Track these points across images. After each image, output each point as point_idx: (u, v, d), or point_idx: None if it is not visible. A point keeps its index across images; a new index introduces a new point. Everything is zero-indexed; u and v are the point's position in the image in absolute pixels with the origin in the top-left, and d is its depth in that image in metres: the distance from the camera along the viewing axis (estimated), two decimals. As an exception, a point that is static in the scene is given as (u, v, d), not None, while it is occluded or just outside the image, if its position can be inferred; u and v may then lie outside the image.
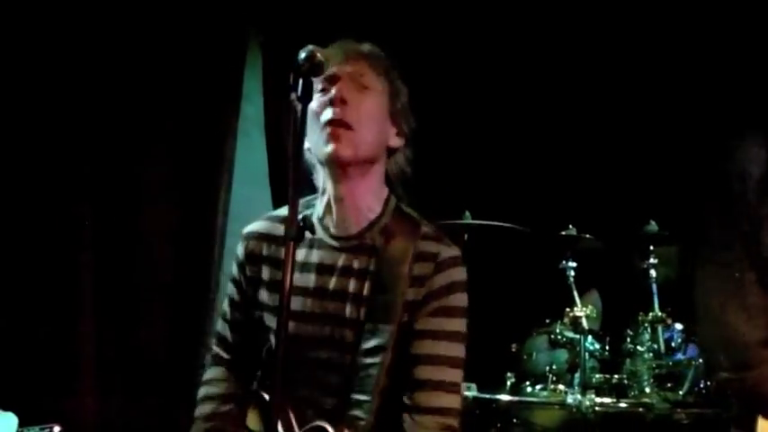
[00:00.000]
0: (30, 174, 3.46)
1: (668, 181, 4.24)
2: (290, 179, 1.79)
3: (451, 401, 2.04)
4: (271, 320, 2.15)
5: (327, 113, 2.04)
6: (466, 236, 3.90)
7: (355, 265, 2.08)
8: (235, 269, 2.24)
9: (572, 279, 4.00)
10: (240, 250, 2.23)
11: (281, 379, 1.72)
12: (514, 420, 3.76)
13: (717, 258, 2.24)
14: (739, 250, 2.20)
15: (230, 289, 2.27)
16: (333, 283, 2.09)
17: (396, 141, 2.16)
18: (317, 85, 2.07)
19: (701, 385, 3.46)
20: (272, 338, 2.15)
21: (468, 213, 3.95)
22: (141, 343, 3.62)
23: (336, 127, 2.03)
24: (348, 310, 2.07)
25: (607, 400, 3.52)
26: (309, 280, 2.11)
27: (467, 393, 3.57)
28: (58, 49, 3.49)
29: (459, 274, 2.07)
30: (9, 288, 3.37)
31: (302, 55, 1.88)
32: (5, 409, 2.12)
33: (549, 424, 3.67)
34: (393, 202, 2.16)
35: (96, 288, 3.55)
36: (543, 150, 4.53)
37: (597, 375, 3.66)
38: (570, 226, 4.00)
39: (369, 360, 2.03)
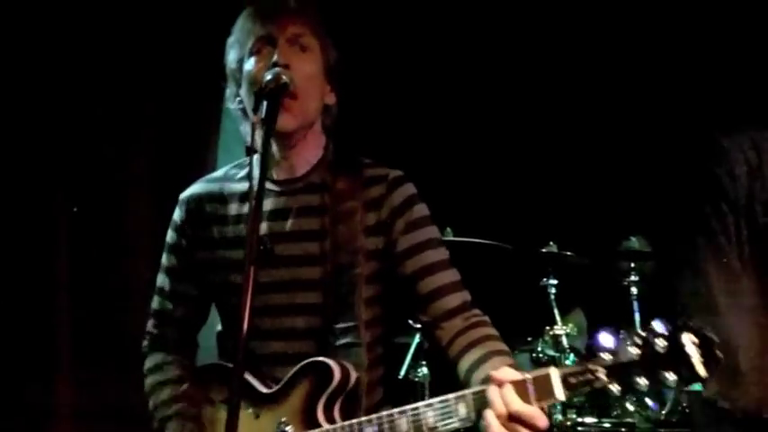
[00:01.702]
0: (10, 167, 3.50)
1: (649, 197, 4.24)
2: (254, 197, 1.74)
3: (465, 295, 2.05)
4: (236, 277, 2.04)
5: None
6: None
7: (308, 203, 2.06)
8: (173, 236, 2.16)
9: (553, 296, 3.99)
10: (180, 214, 2.16)
11: (245, 340, 1.63)
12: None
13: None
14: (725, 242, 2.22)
15: (169, 260, 2.17)
16: (288, 225, 2.05)
17: (331, 99, 2.11)
18: (247, 44, 2.02)
19: (684, 404, 3.44)
20: (233, 298, 2.03)
21: (449, 230, 3.93)
22: (120, 331, 3.55)
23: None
24: (311, 247, 2.02)
25: (589, 419, 3.50)
26: (261, 228, 2.00)
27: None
28: (40, 49, 3.51)
29: (412, 188, 2.07)
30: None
31: (268, 76, 1.87)
32: None
33: (532, 445, 3.63)
34: (331, 146, 2.15)
35: (72, 280, 3.59)
36: (524, 167, 4.52)
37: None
38: (551, 242, 3.98)
39: (345, 293, 1.99)
